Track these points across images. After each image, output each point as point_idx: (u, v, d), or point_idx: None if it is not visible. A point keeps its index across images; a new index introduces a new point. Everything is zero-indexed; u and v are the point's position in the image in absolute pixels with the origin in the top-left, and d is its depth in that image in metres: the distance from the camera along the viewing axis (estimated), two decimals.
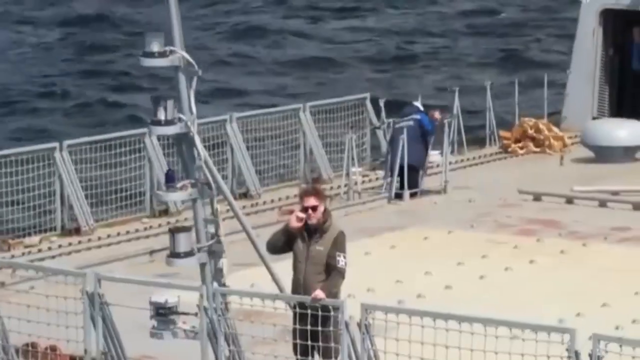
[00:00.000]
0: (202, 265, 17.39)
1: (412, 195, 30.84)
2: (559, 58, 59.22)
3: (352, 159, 30.56)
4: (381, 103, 32.11)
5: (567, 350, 16.15)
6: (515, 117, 35.51)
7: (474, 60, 78.94)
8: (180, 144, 17.74)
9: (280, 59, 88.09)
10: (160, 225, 26.59)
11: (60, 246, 26.49)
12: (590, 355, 17.17)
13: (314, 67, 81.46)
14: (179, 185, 17.57)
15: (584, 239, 26.52)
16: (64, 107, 67.64)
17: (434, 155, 32.29)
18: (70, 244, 26.25)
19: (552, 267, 25.28)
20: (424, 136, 31.31)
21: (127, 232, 26.80)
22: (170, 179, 18.08)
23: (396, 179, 30.53)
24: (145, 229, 26.97)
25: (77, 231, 26.55)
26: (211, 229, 17.28)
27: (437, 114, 30.98)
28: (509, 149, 33.67)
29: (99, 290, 18.17)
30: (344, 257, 17.18)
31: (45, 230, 27.06)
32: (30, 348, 19.45)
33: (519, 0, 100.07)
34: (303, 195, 17.56)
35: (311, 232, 17.53)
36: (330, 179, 30.55)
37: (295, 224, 17.25)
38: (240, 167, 30.05)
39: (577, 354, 18.66)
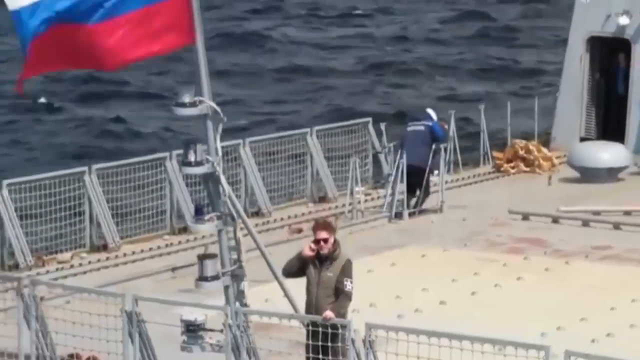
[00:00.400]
0: (226, 288, 19.21)
1: (415, 204, 31.82)
2: (553, 67, 57.94)
3: (356, 179, 31.68)
4: (382, 127, 33.07)
5: None
6: (508, 139, 36.68)
7: (472, 67, 76.67)
8: (207, 181, 19.48)
9: (275, 66, 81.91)
10: (180, 242, 28.09)
11: (90, 262, 28.04)
12: None
13: (305, 76, 79.21)
14: (206, 217, 19.33)
15: (567, 257, 27.90)
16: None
17: (432, 176, 33.55)
18: (99, 260, 27.83)
19: (538, 284, 26.87)
20: (434, 142, 32.29)
21: (150, 249, 28.16)
22: (199, 212, 19.65)
23: (397, 192, 31.13)
24: (167, 245, 28.33)
25: (104, 248, 28.11)
26: (234, 255, 19.02)
27: (446, 125, 32.77)
28: (502, 169, 34.81)
29: (136, 309, 19.58)
30: (351, 282, 19.10)
31: (76, 247, 28.33)
32: (74, 359, 21.11)
33: (514, 9, 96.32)
34: (316, 228, 19.47)
35: (322, 260, 19.36)
36: (335, 197, 31.75)
37: (308, 253, 19.12)
38: (253, 187, 31.30)
39: None
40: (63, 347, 21.15)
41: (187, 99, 20.08)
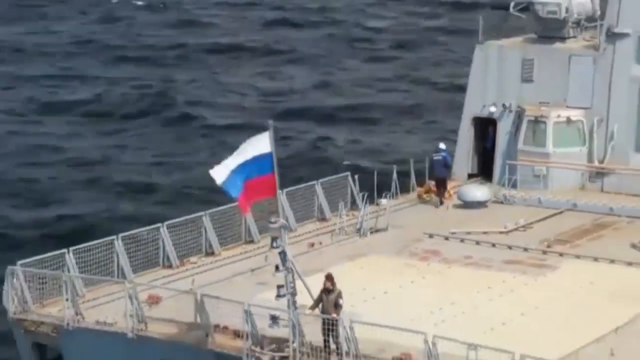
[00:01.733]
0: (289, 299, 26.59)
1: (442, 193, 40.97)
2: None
3: (340, 214, 38.01)
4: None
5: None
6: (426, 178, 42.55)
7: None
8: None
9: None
10: (252, 250, 34.96)
11: (206, 263, 35.04)
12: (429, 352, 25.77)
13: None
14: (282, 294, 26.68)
15: (450, 263, 35.18)
16: None
17: (382, 201, 40.87)
18: (211, 262, 34.93)
19: (433, 282, 33.93)
20: (447, 165, 41.99)
21: (234, 255, 34.86)
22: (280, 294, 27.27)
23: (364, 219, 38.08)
24: (246, 252, 35.16)
25: (212, 254, 35.25)
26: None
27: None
28: (421, 197, 41.72)
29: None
30: (342, 300, 27.20)
31: (197, 253, 35.23)
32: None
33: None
34: (326, 279, 27.61)
35: (329, 291, 27.13)
36: (330, 218, 38.65)
37: (323, 287, 27.00)
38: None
39: (429, 352, 26.00)
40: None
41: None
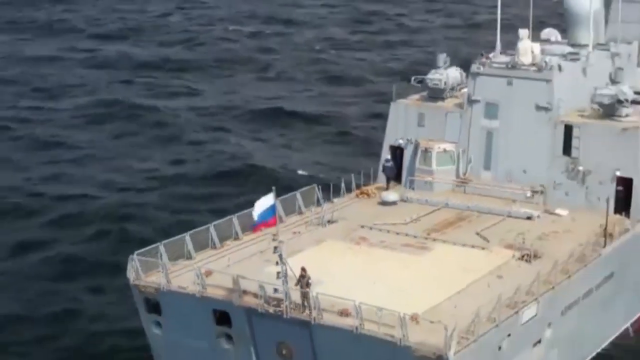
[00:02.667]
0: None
1: None
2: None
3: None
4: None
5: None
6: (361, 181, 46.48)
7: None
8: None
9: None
10: (262, 236, 37.62)
11: (236, 245, 39.28)
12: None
13: None
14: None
15: (373, 247, 39.59)
16: None
17: (334, 200, 44.48)
18: (237, 245, 39.08)
19: (362, 259, 38.32)
20: (392, 169, 45.73)
21: (251, 239, 38.69)
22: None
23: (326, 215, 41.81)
24: (257, 237, 38.56)
25: (237, 238, 39.42)
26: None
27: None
28: (357, 196, 45.87)
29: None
30: (310, 280, 32.42)
31: (229, 238, 39.41)
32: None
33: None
34: (302, 270, 32.64)
35: (303, 277, 32.43)
36: (304, 212, 42.95)
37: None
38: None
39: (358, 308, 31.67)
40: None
41: None
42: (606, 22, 51.79)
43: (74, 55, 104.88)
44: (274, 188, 34.06)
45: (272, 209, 33.19)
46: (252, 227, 34.45)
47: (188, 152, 70.83)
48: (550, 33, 51.60)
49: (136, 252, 36.33)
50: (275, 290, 33.68)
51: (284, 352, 34.79)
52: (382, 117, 51.60)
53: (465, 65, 46.90)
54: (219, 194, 60.28)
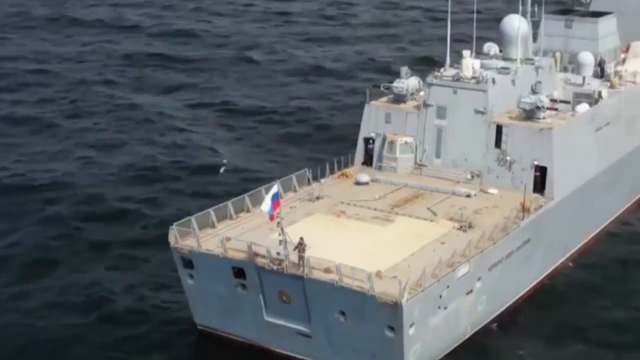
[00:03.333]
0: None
1: None
2: None
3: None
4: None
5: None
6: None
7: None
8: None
9: None
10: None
11: (248, 216, 42.00)
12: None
13: None
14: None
15: (350, 218, 42.36)
16: None
17: (321, 180, 46.18)
18: (249, 216, 42.03)
19: (341, 229, 41.21)
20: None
21: (259, 212, 38.95)
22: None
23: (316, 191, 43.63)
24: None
25: (249, 211, 42.74)
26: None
27: None
28: (339, 177, 47.85)
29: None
30: (306, 246, 35.75)
31: (241, 211, 42.97)
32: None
33: None
34: (300, 239, 36.00)
35: (300, 244, 35.90)
36: (298, 190, 45.28)
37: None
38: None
39: (338, 268, 36.33)
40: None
41: None
42: (535, 38, 55.41)
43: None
44: (278, 181, 39.00)
45: (276, 195, 37.30)
46: (269, 215, 36.85)
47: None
48: (490, 47, 53.51)
49: (175, 224, 40.13)
50: (278, 253, 37.33)
51: (283, 298, 38.54)
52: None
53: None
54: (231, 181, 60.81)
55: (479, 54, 52.17)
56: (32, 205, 55.33)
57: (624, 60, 59.44)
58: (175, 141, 67.54)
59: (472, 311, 40.45)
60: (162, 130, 70.90)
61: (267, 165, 62.01)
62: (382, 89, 50.18)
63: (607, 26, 57.11)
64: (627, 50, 61.21)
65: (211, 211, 41.38)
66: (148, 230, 51.48)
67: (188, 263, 40.26)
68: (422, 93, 49.57)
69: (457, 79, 47.84)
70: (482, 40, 53.11)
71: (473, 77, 47.80)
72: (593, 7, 62.37)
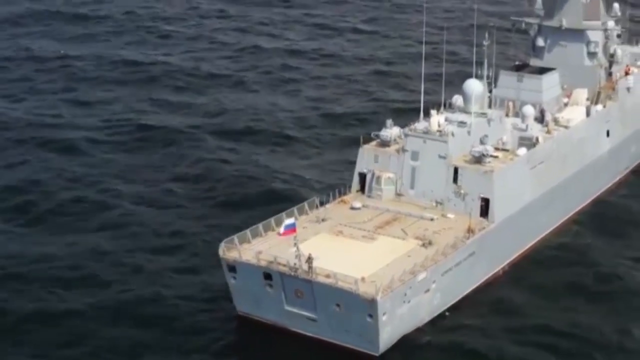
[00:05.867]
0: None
1: None
2: None
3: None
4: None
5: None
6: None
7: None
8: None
9: None
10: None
11: (272, 235, 52.94)
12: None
13: None
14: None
15: (345, 237, 51.90)
16: None
17: (327, 205, 58.06)
18: (276, 234, 55.00)
19: (338, 244, 50.82)
20: None
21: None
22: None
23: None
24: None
25: (273, 230, 54.10)
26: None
27: None
28: (340, 203, 56.73)
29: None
30: (313, 259, 46.64)
31: (269, 229, 54.96)
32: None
33: None
34: (309, 255, 46.90)
35: (309, 258, 46.15)
36: (309, 213, 55.01)
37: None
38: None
39: (334, 274, 47.37)
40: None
41: None
42: (491, 90, 68.39)
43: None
44: (296, 214, 52.51)
45: (293, 224, 49.10)
46: (281, 233, 48.28)
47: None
48: (457, 99, 63.15)
49: (223, 241, 50.59)
50: (294, 264, 47.28)
51: (298, 294, 48.54)
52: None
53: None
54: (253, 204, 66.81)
55: (449, 105, 63.45)
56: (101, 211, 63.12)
57: (566, 104, 69.33)
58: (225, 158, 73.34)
59: (428, 304, 50.48)
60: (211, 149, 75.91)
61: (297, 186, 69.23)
62: (372, 135, 60.26)
63: (549, 80, 67.50)
64: (570, 95, 70.76)
65: (248, 231, 51.71)
66: (201, 244, 60.63)
67: (232, 268, 50.19)
68: (402, 139, 59.19)
69: (426, 131, 57.99)
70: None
71: (438, 130, 57.91)
72: (546, 60, 75.39)
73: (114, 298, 52.82)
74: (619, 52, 73.78)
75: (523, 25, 72.72)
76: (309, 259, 47.74)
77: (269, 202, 64.04)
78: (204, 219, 64.05)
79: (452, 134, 58.39)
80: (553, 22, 71.38)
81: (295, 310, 49.33)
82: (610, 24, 72.88)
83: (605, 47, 73.18)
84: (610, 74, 73.46)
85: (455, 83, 64.98)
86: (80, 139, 78.03)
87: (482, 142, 58.95)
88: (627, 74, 73.94)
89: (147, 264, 57.11)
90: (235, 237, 51.19)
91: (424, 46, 68.25)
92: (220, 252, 50.79)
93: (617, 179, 72.12)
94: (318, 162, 74.80)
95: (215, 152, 75.73)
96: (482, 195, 56.50)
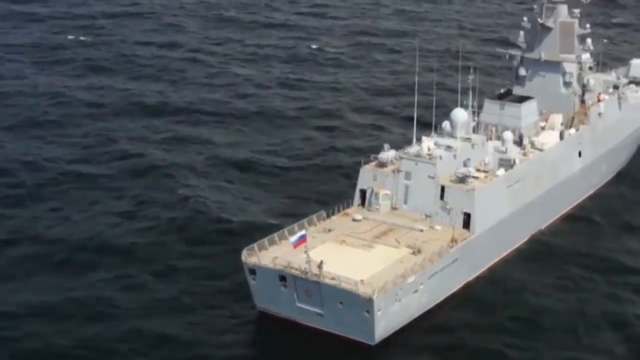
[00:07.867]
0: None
1: None
2: None
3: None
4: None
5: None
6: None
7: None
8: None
9: None
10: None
11: (287, 242, 61.39)
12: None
13: None
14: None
15: (348, 245, 57.95)
16: None
17: (333, 217, 65.00)
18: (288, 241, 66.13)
19: (342, 252, 57.12)
20: None
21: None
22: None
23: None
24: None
25: (286, 238, 59.76)
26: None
27: None
28: (342, 216, 62.20)
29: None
30: (323, 264, 52.72)
31: (283, 239, 62.02)
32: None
33: None
34: (320, 262, 53.48)
35: (321, 263, 52.16)
36: (317, 225, 60.14)
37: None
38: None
39: (338, 276, 55.72)
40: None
41: None
42: (478, 114, 76.58)
43: None
44: (306, 225, 59.79)
45: (304, 236, 53.79)
46: (294, 244, 52.98)
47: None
48: (446, 124, 68.72)
49: (245, 248, 56.89)
50: (305, 268, 53.20)
51: (308, 293, 54.41)
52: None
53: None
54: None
55: (440, 130, 69.27)
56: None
57: (543, 127, 75.86)
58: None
59: (417, 303, 56.57)
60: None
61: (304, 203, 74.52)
62: (371, 158, 66.58)
63: (528, 108, 74.42)
64: (547, 119, 77.53)
65: (265, 240, 57.83)
66: (225, 250, 66.33)
67: (252, 271, 56.35)
68: (397, 161, 65.49)
69: (418, 155, 64.35)
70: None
71: (428, 154, 64.24)
72: (527, 87, 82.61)
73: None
74: (592, 81, 79.15)
75: (507, 57, 79.47)
76: (321, 264, 53.80)
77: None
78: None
79: (440, 158, 64.50)
80: (533, 55, 77.74)
81: (305, 306, 55.11)
82: (584, 57, 78.81)
83: (579, 77, 78.90)
84: (583, 101, 78.85)
85: (449, 107, 71.67)
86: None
87: (465, 165, 65.44)
88: (599, 100, 79.52)
89: (178, 263, 64.45)
90: (255, 245, 57.58)
91: (416, 86, 72.73)
92: (243, 257, 57.32)
93: (589, 194, 78.55)
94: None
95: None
96: (464, 210, 62.66)
